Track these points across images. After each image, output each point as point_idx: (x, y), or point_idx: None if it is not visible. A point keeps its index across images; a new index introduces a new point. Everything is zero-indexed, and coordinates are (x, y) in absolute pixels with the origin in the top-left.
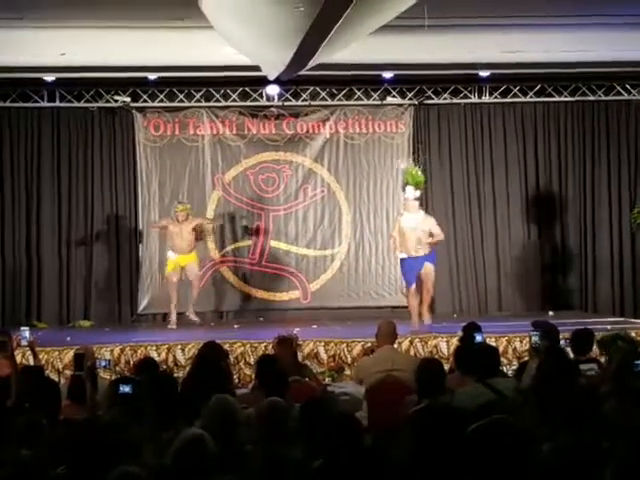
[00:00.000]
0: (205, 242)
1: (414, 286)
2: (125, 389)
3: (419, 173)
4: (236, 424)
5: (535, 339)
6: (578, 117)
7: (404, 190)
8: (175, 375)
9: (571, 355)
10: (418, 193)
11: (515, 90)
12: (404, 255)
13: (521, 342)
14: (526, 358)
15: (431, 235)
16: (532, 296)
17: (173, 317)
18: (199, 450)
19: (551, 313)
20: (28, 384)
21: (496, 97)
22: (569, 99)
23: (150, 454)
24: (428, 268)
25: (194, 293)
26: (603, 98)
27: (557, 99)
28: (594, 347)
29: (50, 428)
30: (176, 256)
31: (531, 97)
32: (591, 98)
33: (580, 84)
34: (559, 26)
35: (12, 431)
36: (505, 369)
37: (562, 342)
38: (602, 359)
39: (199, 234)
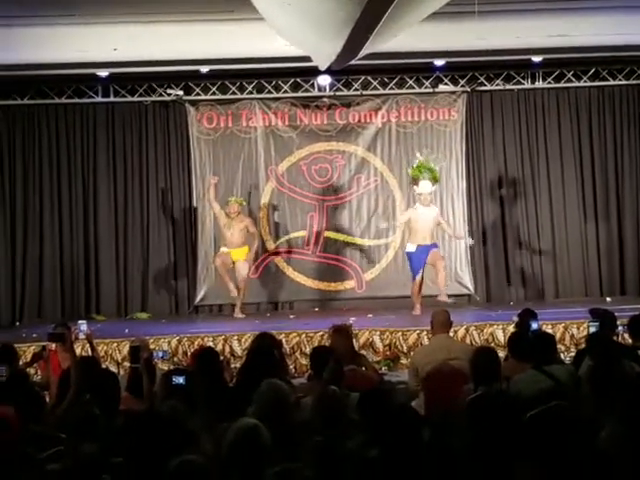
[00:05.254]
0: (258, 235)
1: (419, 277)
2: (179, 380)
3: (435, 168)
4: (288, 408)
5: (593, 329)
6: (634, 100)
7: (417, 185)
8: (232, 365)
9: (629, 341)
10: (434, 188)
11: (569, 75)
12: (412, 247)
13: (578, 329)
14: (584, 345)
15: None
16: (590, 282)
17: (231, 287)
18: (253, 440)
19: (609, 299)
20: (87, 376)
21: (549, 82)
22: (624, 82)
23: (207, 444)
24: (435, 253)
25: (240, 294)
26: None
27: (612, 83)
28: None
29: (109, 419)
30: (228, 250)
31: (585, 81)
32: None
33: (635, 67)
34: (610, 9)
35: (69, 423)
36: (563, 356)
37: (620, 328)
38: None
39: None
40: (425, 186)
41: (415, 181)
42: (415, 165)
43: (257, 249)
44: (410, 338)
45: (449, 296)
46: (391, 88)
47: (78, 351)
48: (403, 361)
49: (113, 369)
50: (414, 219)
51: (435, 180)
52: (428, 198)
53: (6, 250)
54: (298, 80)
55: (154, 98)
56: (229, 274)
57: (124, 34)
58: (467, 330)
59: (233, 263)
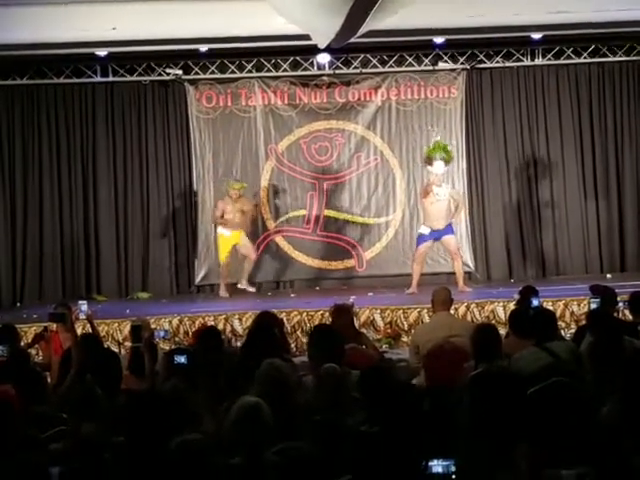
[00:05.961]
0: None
1: (423, 245)
2: (180, 359)
3: (450, 148)
4: (289, 387)
5: (594, 306)
6: (633, 77)
7: (431, 165)
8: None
9: (630, 317)
10: (446, 168)
11: (568, 52)
12: (426, 230)
13: (579, 305)
14: (584, 322)
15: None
16: (590, 259)
17: (222, 288)
18: (255, 418)
19: (609, 276)
20: (88, 355)
21: (549, 59)
22: (624, 59)
23: (209, 423)
24: (449, 239)
25: (250, 266)
26: None
27: (612, 59)
28: None
29: (110, 399)
30: (229, 233)
31: (585, 58)
32: None
33: (635, 43)
34: None
35: (71, 403)
36: (563, 333)
37: (620, 304)
38: None
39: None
40: (439, 166)
41: (429, 161)
42: (431, 145)
43: (254, 217)
44: (411, 316)
45: (448, 274)
46: (391, 66)
47: (79, 331)
48: (404, 339)
49: (114, 349)
50: (429, 200)
51: (448, 161)
52: (441, 178)
53: (6, 231)
54: (297, 58)
55: (153, 77)
56: (228, 277)
57: (123, 13)
58: (468, 307)
59: (235, 245)
